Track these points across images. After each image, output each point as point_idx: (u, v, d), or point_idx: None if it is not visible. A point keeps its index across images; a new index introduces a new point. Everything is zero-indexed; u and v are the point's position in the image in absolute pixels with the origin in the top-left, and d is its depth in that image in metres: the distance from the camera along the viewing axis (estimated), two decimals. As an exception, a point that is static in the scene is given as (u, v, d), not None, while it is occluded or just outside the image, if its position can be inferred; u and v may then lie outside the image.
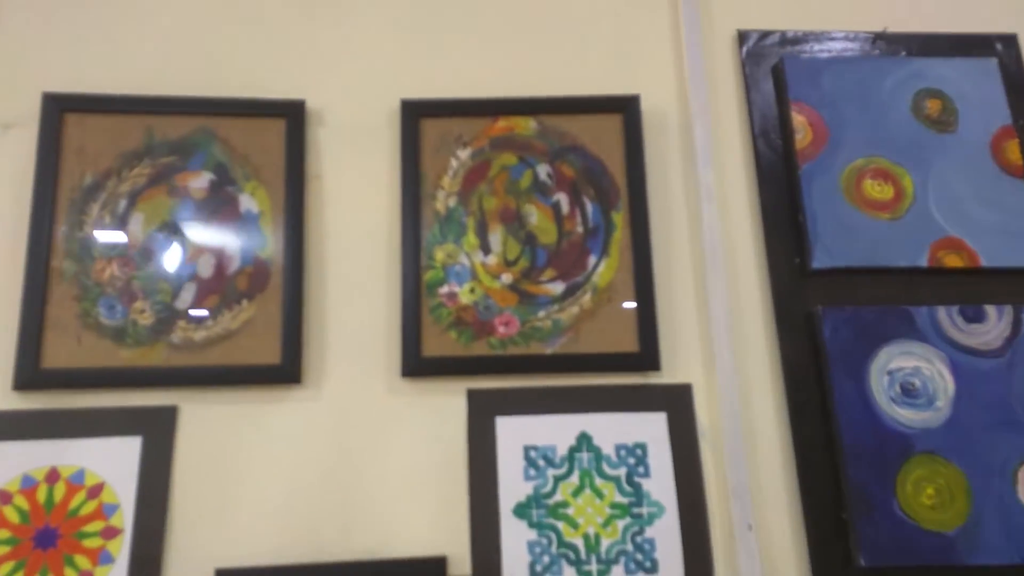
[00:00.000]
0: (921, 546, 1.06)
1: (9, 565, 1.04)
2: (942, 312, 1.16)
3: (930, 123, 1.25)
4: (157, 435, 1.12)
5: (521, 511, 1.10)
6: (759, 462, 1.15)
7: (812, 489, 1.11)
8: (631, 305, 1.18)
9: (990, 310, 1.16)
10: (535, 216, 1.22)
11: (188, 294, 1.17)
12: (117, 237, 1.17)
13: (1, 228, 1.18)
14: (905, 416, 1.12)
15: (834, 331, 1.15)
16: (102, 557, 1.06)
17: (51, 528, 1.06)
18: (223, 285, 1.17)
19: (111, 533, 1.07)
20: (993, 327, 1.15)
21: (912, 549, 1.06)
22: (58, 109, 1.20)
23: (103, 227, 1.18)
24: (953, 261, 1.19)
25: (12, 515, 1.07)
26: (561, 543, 1.09)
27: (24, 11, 1.28)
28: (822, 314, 1.16)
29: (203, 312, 1.15)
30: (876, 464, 1.09)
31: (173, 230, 1.19)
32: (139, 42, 1.28)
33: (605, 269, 1.20)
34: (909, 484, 1.08)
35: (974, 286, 1.19)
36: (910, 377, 1.13)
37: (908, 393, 1.13)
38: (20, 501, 1.07)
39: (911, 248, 1.20)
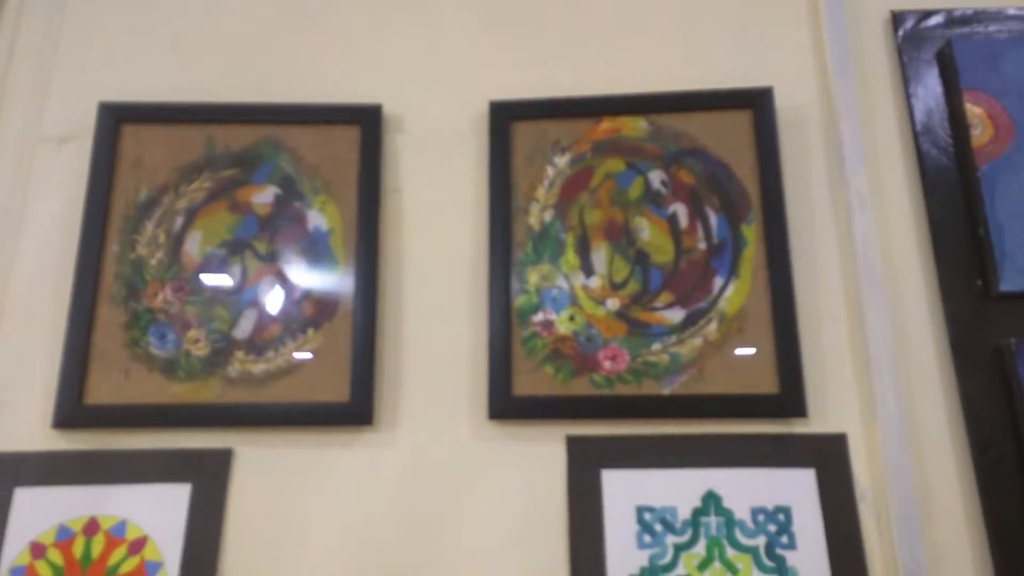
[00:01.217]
0: None
1: (39, 630, 0.93)
2: None
3: None
4: (208, 482, 1.00)
5: (636, 587, 0.93)
6: (938, 534, 0.94)
7: (1011, 571, 0.89)
8: (769, 336, 1.00)
9: None
10: (647, 231, 1.06)
11: (248, 322, 1.06)
12: (171, 258, 1.08)
13: (50, 248, 1.11)
14: None
15: (1032, 368, 0.94)
16: (141, 625, 0.94)
17: (86, 589, 0.95)
18: (287, 312, 1.06)
19: (152, 597, 0.95)
20: None
21: None
22: (115, 120, 1.13)
23: (157, 247, 1.09)
24: None
25: (45, 571, 0.96)
26: (687, 631, 0.91)
27: (83, 21, 1.23)
28: (1015, 348, 0.95)
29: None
30: (1104, 543, 0.87)
31: (233, 250, 1.09)
32: (201, 48, 1.21)
33: (735, 293, 1.03)
34: None
35: None
36: None
37: None
38: (54, 555, 0.97)
39: None
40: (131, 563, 0.96)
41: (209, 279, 1.08)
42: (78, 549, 0.97)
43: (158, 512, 0.99)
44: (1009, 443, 0.94)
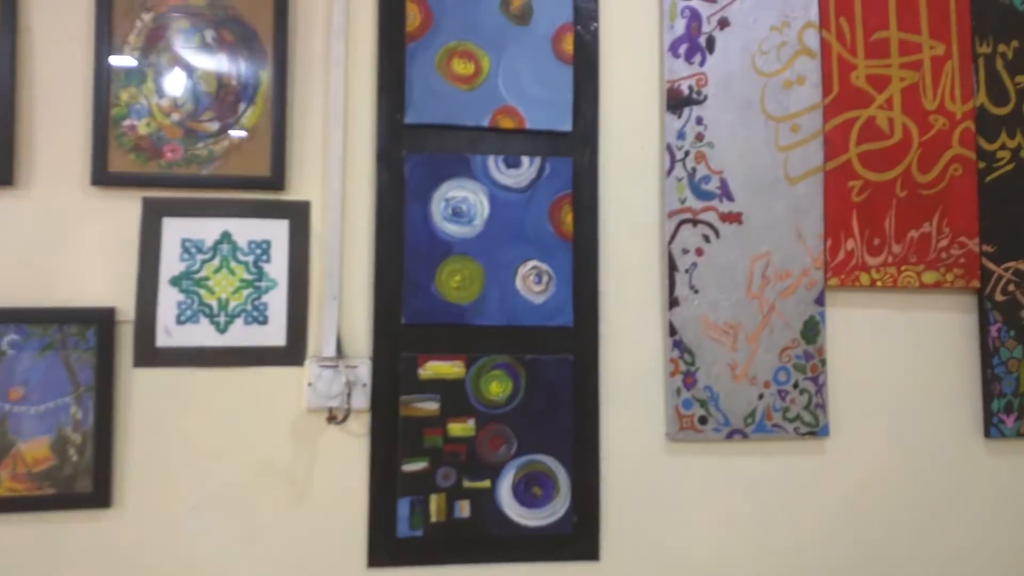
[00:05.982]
0: (445, 312, 1.75)
1: None
2: (491, 160, 1.80)
3: (511, 17, 1.85)
4: None
5: (175, 281, 1.72)
6: (349, 256, 1.79)
7: (382, 276, 1.77)
8: (268, 141, 1.76)
9: (525, 159, 1.81)
10: (201, 70, 1.76)
11: None
12: None
13: None
14: (451, 229, 1.77)
15: (413, 169, 1.78)
16: None
17: None
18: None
19: None
20: (525, 172, 1.81)
21: (439, 314, 1.75)
22: None
23: None
24: (507, 123, 1.82)
25: None
26: (201, 303, 1.72)
27: None
28: (406, 157, 1.78)
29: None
30: (425, 261, 1.76)
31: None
32: None
33: (251, 114, 1.77)
34: (444, 274, 1.76)
35: (519, 143, 1.83)
36: (460, 204, 1.78)
37: (457, 214, 1.77)
38: None
39: (479, 112, 1.81)
40: None
41: None
42: None
43: None
44: (397, 209, 1.79)
